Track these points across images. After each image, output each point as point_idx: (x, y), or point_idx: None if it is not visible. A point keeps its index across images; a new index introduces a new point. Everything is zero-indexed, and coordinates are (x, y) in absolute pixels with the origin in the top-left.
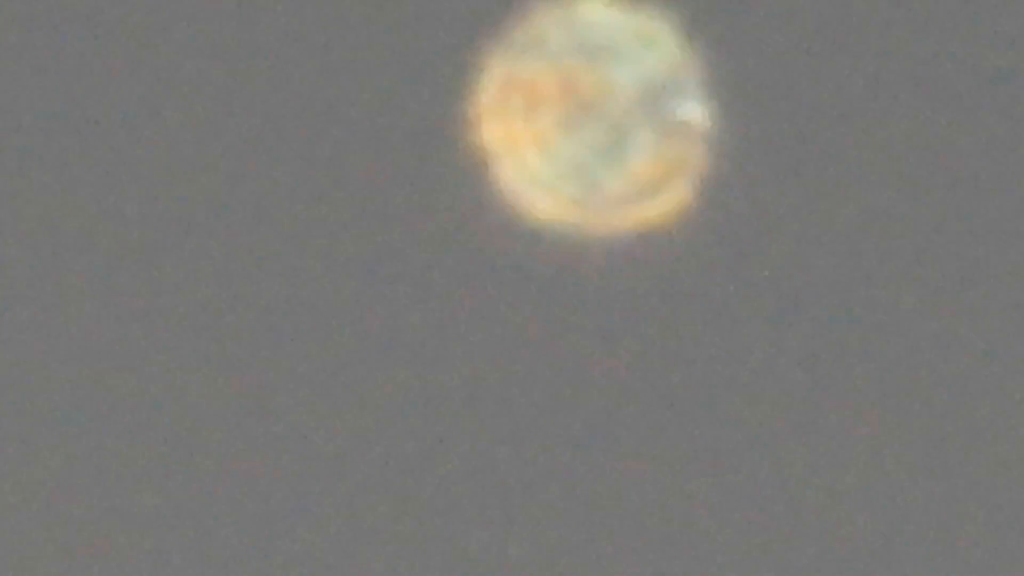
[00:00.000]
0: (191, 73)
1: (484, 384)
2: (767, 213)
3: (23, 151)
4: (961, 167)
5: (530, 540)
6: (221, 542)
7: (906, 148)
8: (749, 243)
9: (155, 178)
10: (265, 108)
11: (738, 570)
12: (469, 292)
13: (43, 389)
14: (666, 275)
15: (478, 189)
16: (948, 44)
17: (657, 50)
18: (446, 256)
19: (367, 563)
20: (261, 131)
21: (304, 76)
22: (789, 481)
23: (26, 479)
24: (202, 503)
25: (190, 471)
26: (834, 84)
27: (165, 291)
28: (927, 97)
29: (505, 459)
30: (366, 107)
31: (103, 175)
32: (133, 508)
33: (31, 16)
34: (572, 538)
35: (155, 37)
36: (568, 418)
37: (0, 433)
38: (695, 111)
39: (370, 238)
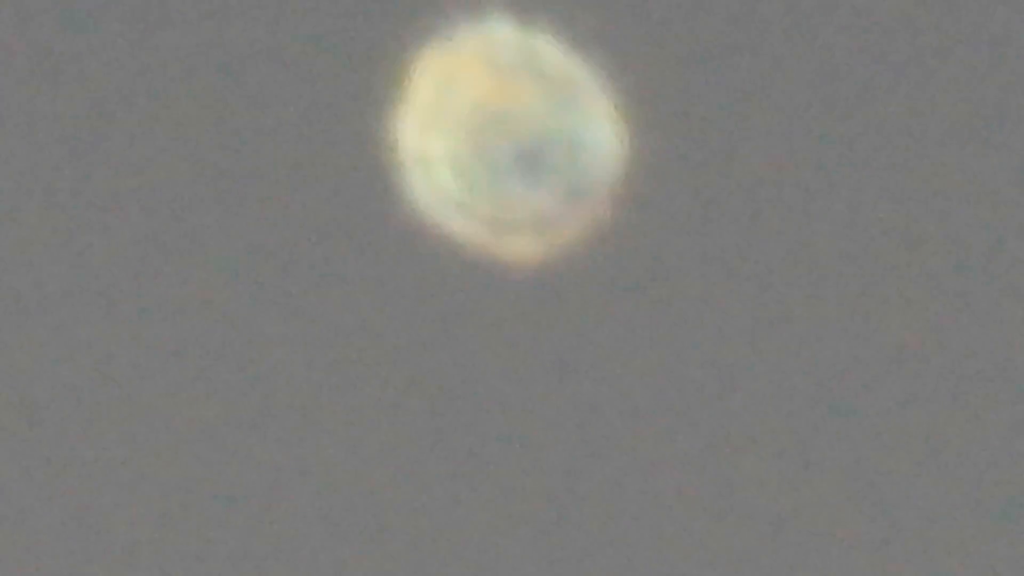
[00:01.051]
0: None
1: (387, 399)
2: (680, 237)
3: None
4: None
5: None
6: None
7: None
8: (660, 268)
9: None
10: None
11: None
12: (376, 307)
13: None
14: (577, 298)
15: (391, 204)
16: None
17: (574, 76)
18: (355, 268)
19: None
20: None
21: (223, 84)
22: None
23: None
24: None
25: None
26: (741, 120)
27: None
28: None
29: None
30: (287, 117)
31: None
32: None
33: None
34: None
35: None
36: (467, 440)
37: None
38: (608, 137)
39: (280, 253)
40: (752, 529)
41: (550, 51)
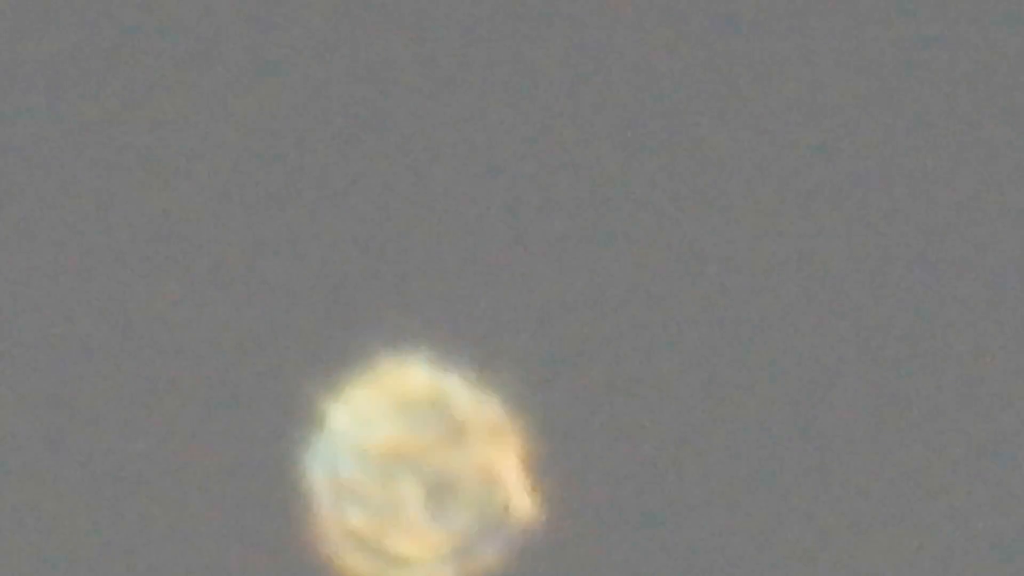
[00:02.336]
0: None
1: None
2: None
3: None
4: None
5: None
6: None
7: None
8: None
9: None
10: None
11: None
12: None
13: None
14: None
15: (296, 538)
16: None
17: (484, 414)
18: None
19: None
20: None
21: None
22: None
23: None
24: None
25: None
26: (652, 458)
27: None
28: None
29: None
30: (194, 442)
31: None
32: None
33: None
34: None
35: None
36: None
37: None
38: (519, 495)
39: None
40: None
41: (461, 390)
